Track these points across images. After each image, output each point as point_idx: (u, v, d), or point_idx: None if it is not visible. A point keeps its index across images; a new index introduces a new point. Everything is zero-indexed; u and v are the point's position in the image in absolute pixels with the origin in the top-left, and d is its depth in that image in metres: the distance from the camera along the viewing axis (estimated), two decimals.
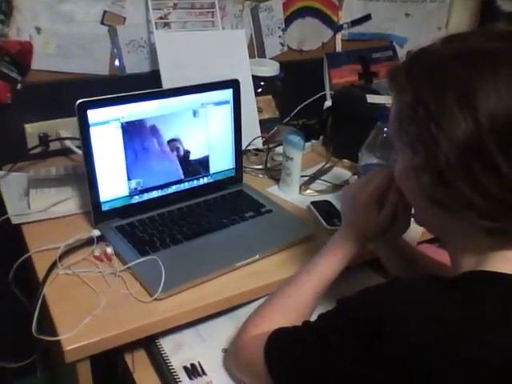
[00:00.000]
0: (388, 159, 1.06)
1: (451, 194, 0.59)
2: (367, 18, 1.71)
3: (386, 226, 0.81)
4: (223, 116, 1.13)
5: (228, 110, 1.13)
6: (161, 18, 1.34)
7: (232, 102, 1.13)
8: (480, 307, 0.56)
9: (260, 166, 1.33)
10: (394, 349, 0.55)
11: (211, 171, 1.15)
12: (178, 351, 0.87)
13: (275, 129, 1.42)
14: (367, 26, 1.72)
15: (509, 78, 0.55)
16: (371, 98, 1.33)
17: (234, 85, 1.12)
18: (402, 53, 1.76)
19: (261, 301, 0.88)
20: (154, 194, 1.08)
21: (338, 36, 1.69)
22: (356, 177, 1.15)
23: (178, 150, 1.08)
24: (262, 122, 1.42)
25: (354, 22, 1.69)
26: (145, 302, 0.85)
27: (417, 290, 0.59)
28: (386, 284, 0.64)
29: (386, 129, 1.05)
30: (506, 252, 0.61)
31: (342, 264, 0.83)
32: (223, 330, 0.91)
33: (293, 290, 0.82)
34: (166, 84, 1.24)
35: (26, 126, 1.26)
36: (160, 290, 0.84)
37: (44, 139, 1.28)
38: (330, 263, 0.83)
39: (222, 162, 1.17)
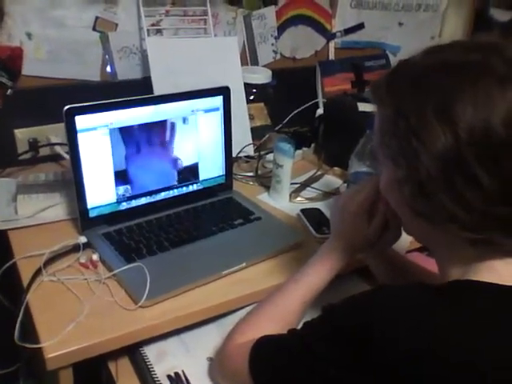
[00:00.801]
0: (377, 168, 1.06)
1: (433, 206, 0.59)
2: (360, 26, 1.71)
3: (376, 237, 0.81)
4: (213, 123, 1.13)
5: (218, 117, 1.13)
6: (153, 24, 1.34)
7: (222, 109, 1.13)
8: (469, 312, 0.56)
9: (251, 174, 1.33)
10: (384, 355, 0.54)
11: (201, 178, 1.15)
12: (163, 359, 0.86)
13: (267, 136, 1.42)
14: (360, 35, 1.73)
15: (487, 91, 0.54)
16: (363, 107, 1.33)
17: (224, 92, 1.12)
18: (395, 61, 1.76)
19: (248, 309, 0.88)
20: (143, 200, 1.08)
21: (331, 44, 1.69)
22: (346, 185, 1.14)
23: (167, 156, 1.08)
24: (253, 130, 1.42)
25: (347, 31, 1.70)
26: (129, 309, 0.85)
27: (406, 297, 0.59)
28: (373, 291, 0.64)
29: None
30: (491, 262, 0.60)
31: (330, 274, 0.82)
32: (208, 339, 0.90)
33: (280, 298, 0.81)
34: (158, 91, 1.24)
35: (16, 131, 1.26)
36: (144, 297, 0.84)
37: (34, 145, 1.28)
38: (318, 273, 0.82)
39: (211, 169, 1.16)
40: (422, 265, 0.95)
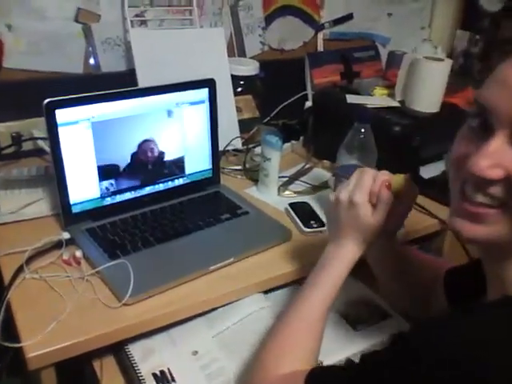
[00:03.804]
0: (365, 160, 1.05)
1: None
2: (349, 17, 1.69)
3: (382, 224, 0.77)
4: (199, 116, 1.11)
5: (204, 109, 1.11)
6: (137, 15, 1.31)
7: (208, 101, 1.11)
8: None
9: (239, 167, 1.31)
10: None
11: (187, 172, 1.13)
12: (148, 357, 0.84)
13: (255, 129, 1.40)
14: (349, 26, 1.71)
15: None
16: (351, 99, 1.31)
17: (209, 84, 1.09)
18: (384, 52, 1.75)
19: (239, 303, 0.86)
20: (127, 195, 1.06)
21: (320, 35, 1.67)
22: (334, 178, 1.13)
23: (152, 150, 1.06)
24: (241, 122, 1.40)
25: (336, 22, 1.68)
26: (113, 307, 0.83)
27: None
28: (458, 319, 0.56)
29: (363, 129, 1.03)
30: None
31: (347, 271, 0.78)
32: (195, 333, 0.88)
33: (303, 309, 0.76)
34: (142, 83, 1.22)
35: None
36: (128, 294, 0.82)
37: (17, 139, 1.25)
38: (334, 272, 0.77)
39: (198, 162, 1.14)
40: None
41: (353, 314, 0.94)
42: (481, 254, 0.67)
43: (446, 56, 1.36)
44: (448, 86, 1.27)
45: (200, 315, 0.90)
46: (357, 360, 0.63)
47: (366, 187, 0.77)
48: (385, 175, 0.77)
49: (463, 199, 0.59)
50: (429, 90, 1.27)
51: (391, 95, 1.34)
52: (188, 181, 1.14)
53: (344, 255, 0.78)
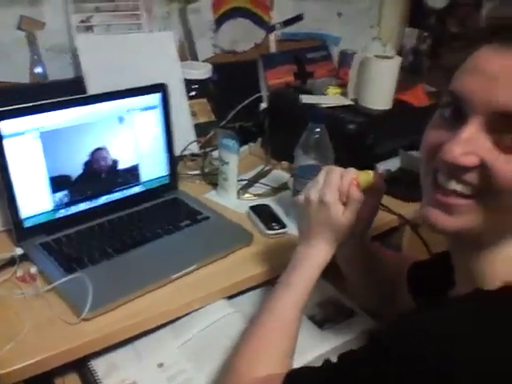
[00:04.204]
0: (322, 159, 1.05)
1: None
2: (299, 17, 1.70)
3: (353, 223, 0.76)
4: (152, 122, 1.09)
5: (157, 115, 1.09)
6: (83, 21, 1.27)
7: (161, 106, 1.09)
8: None
9: (197, 172, 1.29)
10: None
11: (143, 179, 1.10)
12: (112, 372, 0.82)
13: (212, 133, 1.39)
14: (300, 26, 1.72)
15: None
16: (305, 99, 1.31)
17: (161, 89, 1.07)
18: (336, 52, 1.77)
19: (205, 310, 0.85)
20: (82, 206, 1.02)
21: (272, 36, 1.67)
22: (293, 179, 1.13)
23: (104, 159, 1.03)
24: (197, 126, 1.38)
25: (286, 22, 1.68)
26: (72, 323, 0.80)
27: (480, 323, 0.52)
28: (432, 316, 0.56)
29: (317, 129, 1.03)
30: None
31: (319, 271, 0.77)
32: (160, 344, 0.86)
33: (276, 311, 0.75)
34: (92, 90, 1.18)
35: None
36: (87, 309, 0.79)
37: None
38: (306, 273, 0.77)
39: (154, 169, 1.12)
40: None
41: (319, 313, 0.93)
42: (450, 246, 0.67)
43: (395, 54, 1.38)
44: (398, 83, 1.29)
45: (164, 325, 0.88)
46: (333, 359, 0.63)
47: (335, 186, 0.76)
48: (352, 173, 0.77)
49: (435, 189, 0.58)
50: (380, 88, 1.29)
51: (344, 94, 1.35)
52: (144, 188, 1.12)
53: (316, 255, 0.77)
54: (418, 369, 0.51)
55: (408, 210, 1.13)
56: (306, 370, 0.66)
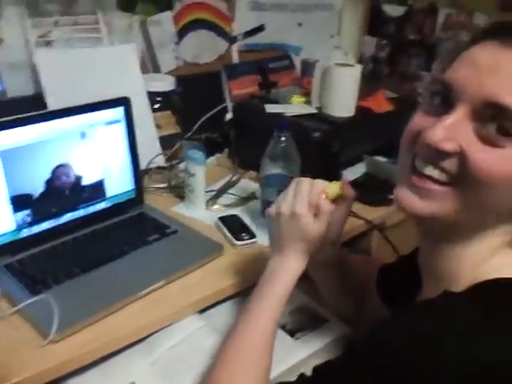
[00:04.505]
0: (289, 168, 1.05)
1: None
2: (261, 28, 1.72)
3: (324, 233, 0.76)
4: (116, 136, 1.07)
5: (120, 129, 1.07)
6: (41, 36, 1.25)
7: (124, 120, 1.07)
8: None
9: (164, 185, 1.28)
10: None
11: (108, 195, 1.09)
12: None
13: (177, 145, 1.38)
14: (262, 37, 1.73)
15: None
16: (270, 108, 1.32)
17: (124, 102, 1.06)
18: (298, 61, 1.78)
19: (177, 327, 0.84)
20: (46, 225, 1.00)
21: (234, 47, 1.68)
22: (261, 189, 1.13)
23: (67, 175, 1.01)
24: (162, 139, 1.37)
25: (248, 33, 1.69)
26: (38, 346, 0.77)
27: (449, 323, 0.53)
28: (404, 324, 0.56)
29: (283, 138, 1.04)
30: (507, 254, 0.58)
31: (292, 282, 0.77)
32: (131, 363, 0.84)
33: (250, 323, 0.74)
34: (52, 106, 1.16)
35: None
36: (53, 331, 0.77)
37: None
38: (280, 284, 0.76)
39: (119, 184, 1.10)
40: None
41: (290, 322, 0.93)
42: (421, 242, 0.68)
43: (356, 62, 1.41)
44: (360, 91, 1.31)
45: (134, 343, 0.86)
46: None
47: (305, 197, 0.76)
48: (321, 184, 0.77)
49: (412, 172, 0.59)
50: (343, 96, 1.30)
51: (308, 102, 1.37)
52: (110, 204, 1.10)
53: (288, 267, 0.77)
54: (393, 376, 0.51)
55: (375, 214, 1.15)
56: None
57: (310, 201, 0.75)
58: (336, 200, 0.77)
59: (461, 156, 0.54)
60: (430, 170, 0.57)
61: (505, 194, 0.54)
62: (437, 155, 0.55)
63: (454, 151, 0.54)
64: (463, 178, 0.54)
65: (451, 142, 0.54)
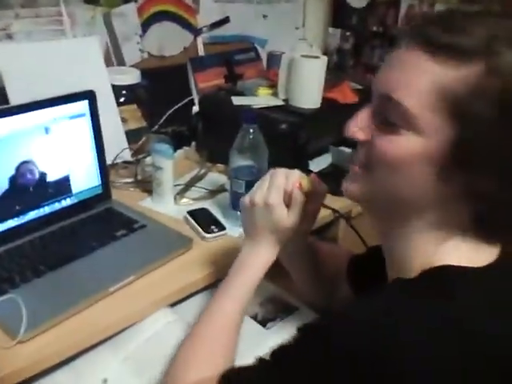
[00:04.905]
0: (258, 160, 1.06)
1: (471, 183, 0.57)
2: (226, 20, 1.71)
3: (297, 224, 0.78)
4: (80, 130, 1.05)
5: (85, 123, 1.06)
6: (2, 29, 1.21)
7: (89, 114, 1.06)
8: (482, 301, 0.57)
9: (131, 179, 1.26)
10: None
11: (74, 191, 1.07)
12: None
13: (144, 139, 1.37)
14: (227, 29, 1.72)
15: None
16: (237, 100, 1.32)
17: (88, 96, 1.05)
18: (264, 53, 1.79)
19: (148, 322, 0.84)
20: (10, 223, 0.98)
21: (199, 40, 1.67)
22: (229, 181, 1.13)
23: (31, 172, 0.98)
24: (128, 133, 1.35)
25: (213, 25, 1.68)
26: (7, 346, 0.76)
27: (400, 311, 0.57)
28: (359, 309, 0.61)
29: (251, 130, 1.04)
30: (457, 244, 0.61)
31: (263, 271, 0.79)
32: (102, 360, 0.83)
33: (217, 312, 0.76)
34: (14, 101, 1.13)
35: None
36: (22, 331, 0.75)
37: None
38: (250, 272, 0.78)
39: (85, 179, 1.09)
40: None
41: (260, 312, 0.94)
42: (378, 234, 0.71)
43: (321, 53, 1.42)
44: (326, 82, 1.33)
45: (106, 340, 0.86)
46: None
47: (280, 188, 0.77)
48: (297, 175, 0.78)
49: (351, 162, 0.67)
50: (309, 87, 1.31)
51: (275, 94, 1.37)
52: (76, 200, 1.08)
53: (259, 257, 0.79)
54: (336, 355, 0.56)
55: (341, 204, 1.16)
56: (239, 370, 0.67)
57: (286, 188, 0.77)
58: (308, 193, 0.78)
59: (369, 143, 0.62)
60: (354, 157, 0.65)
61: (407, 179, 0.60)
62: (356, 143, 0.64)
63: (364, 140, 0.62)
64: (370, 162, 0.62)
65: (362, 132, 0.63)
